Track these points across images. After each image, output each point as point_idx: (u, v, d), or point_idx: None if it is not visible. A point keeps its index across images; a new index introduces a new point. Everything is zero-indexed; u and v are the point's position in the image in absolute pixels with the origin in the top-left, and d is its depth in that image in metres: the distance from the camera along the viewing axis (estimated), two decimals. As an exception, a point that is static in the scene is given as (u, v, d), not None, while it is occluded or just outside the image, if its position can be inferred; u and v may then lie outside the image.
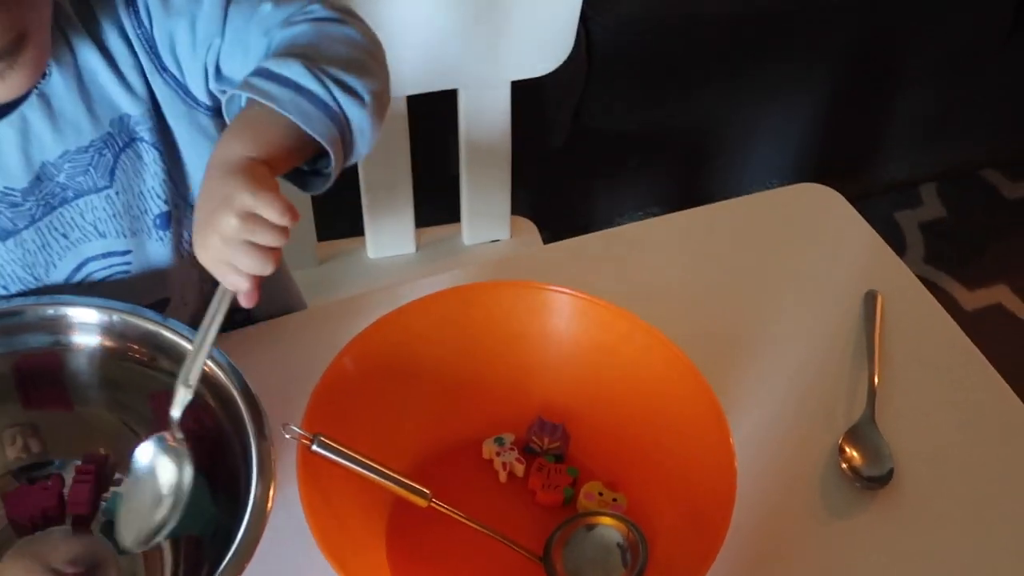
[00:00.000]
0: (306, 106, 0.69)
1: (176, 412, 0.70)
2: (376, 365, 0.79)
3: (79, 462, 0.79)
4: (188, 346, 0.73)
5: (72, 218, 0.82)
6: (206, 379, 0.73)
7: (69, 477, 0.79)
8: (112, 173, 0.81)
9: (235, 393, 0.73)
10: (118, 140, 0.80)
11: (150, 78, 0.79)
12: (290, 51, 0.71)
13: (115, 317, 0.78)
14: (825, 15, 1.59)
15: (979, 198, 1.98)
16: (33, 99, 0.76)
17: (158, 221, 0.85)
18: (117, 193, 0.82)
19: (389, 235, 1.28)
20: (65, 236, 0.82)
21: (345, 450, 0.72)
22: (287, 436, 0.70)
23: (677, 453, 0.78)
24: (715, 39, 1.52)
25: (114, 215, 0.83)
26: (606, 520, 0.78)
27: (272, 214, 0.65)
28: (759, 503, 0.79)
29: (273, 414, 0.72)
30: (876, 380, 0.87)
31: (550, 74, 1.19)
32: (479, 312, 0.82)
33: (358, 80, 0.71)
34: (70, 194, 0.81)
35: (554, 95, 1.45)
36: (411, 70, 1.13)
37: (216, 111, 0.82)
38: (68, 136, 0.78)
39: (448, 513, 0.75)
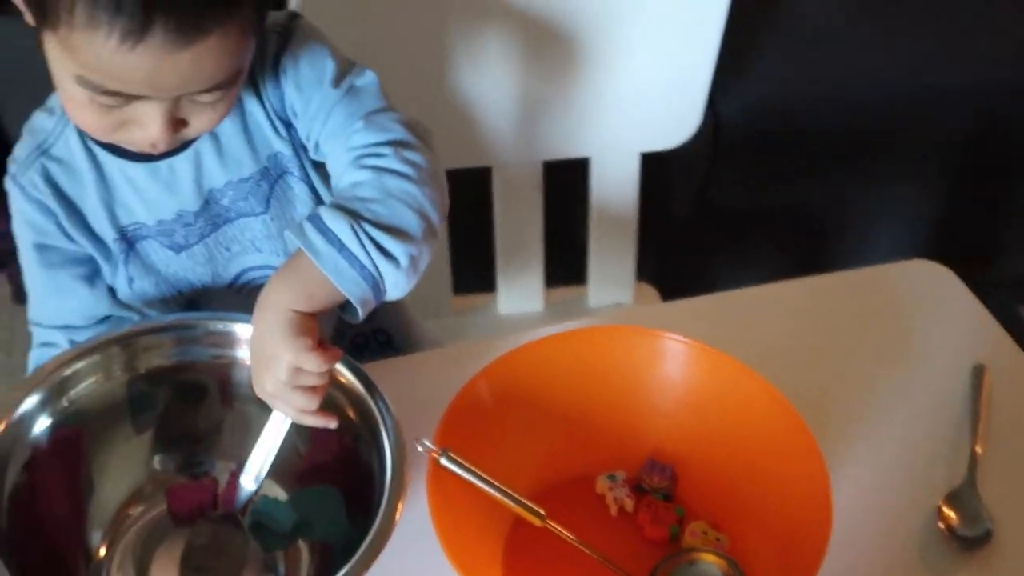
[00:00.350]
0: (344, 266, 0.76)
1: (239, 504, 0.82)
2: (504, 394, 0.86)
3: (234, 465, 0.87)
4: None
5: (234, 235, 0.94)
6: (349, 395, 0.82)
7: (224, 476, 0.87)
8: (267, 201, 0.92)
9: (375, 410, 0.81)
10: (272, 173, 0.91)
11: (291, 130, 0.90)
12: (346, 203, 0.78)
13: None
14: (950, 103, 1.63)
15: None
16: (206, 137, 0.88)
17: None
18: (272, 218, 0.93)
19: (519, 293, 1.37)
20: (228, 249, 0.94)
21: (471, 466, 0.79)
22: (420, 449, 0.78)
23: (779, 500, 0.82)
24: (840, 123, 1.58)
25: (268, 236, 0.94)
26: (708, 556, 0.82)
27: (312, 368, 0.75)
28: (857, 554, 0.83)
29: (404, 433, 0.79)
30: (978, 448, 0.91)
31: (678, 150, 1.27)
32: (601, 354, 0.88)
33: (399, 245, 0.77)
34: (232, 215, 0.92)
35: (681, 171, 1.53)
36: (548, 137, 1.22)
37: None
38: (232, 169, 0.90)
39: (561, 535, 0.81)
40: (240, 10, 0.74)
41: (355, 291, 0.77)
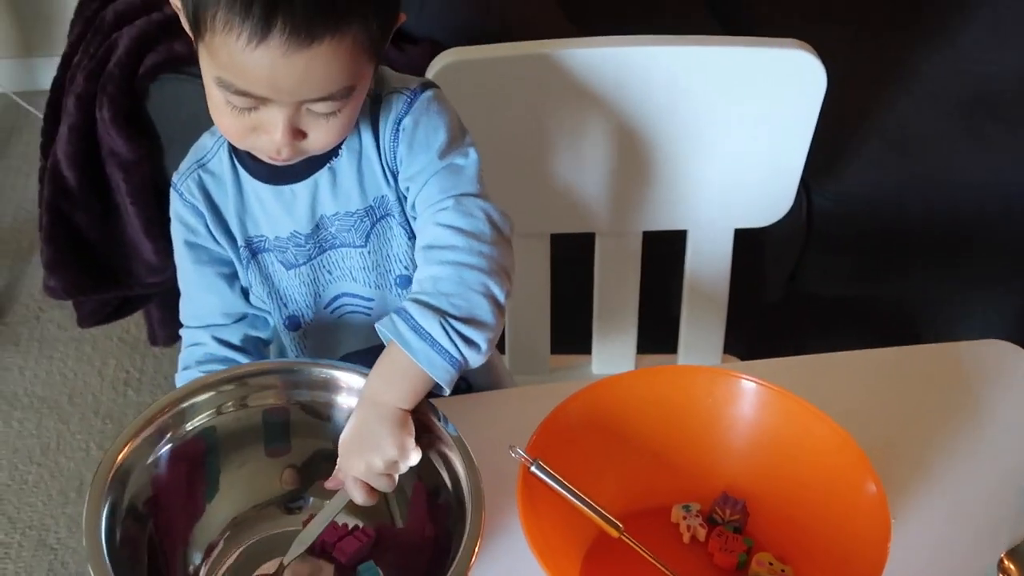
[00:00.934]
0: (436, 359, 0.88)
1: (287, 560, 0.90)
2: (592, 419, 0.93)
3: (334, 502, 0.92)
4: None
5: (335, 261, 1.06)
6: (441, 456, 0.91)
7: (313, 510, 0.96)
8: (368, 236, 1.04)
9: (458, 465, 0.88)
10: (376, 213, 1.03)
11: (398, 180, 1.02)
12: (430, 298, 0.90)
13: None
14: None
15: None
16: (325, 170, 1.01)
17: (399, 280, 1.07)
18: (369, 252, 1.05)
19: (612, 356, 1.45)
20: (329, 272, 1.07)
21: (557, 475, 0.87)
22: (512, 456, 0.86)
23: (841, 539, 0.88)
24: (929, 221, 1.65)
25: (363, 268, 1.06)
26: None
27: (406, 464, 0.89)
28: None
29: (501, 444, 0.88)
30: (1041, 510, 0.96)
31: (772, 234, 1.35)
32: (683, 391, 0.96)
33: (479, 333, 0.90)
34: (336, 243, 1.05)
35: (774, 253, 1.61)
36: (648, 210, 1.32)
37: None
38: (342, 201, 1.02)
39: (636, 548, 0.88)
40: (349, 26, 0.87)
41: (445, 377, 0.89)
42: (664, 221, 1.34)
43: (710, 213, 1.33)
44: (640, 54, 1.22)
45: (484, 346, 0.90)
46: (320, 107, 0.90)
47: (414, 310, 0.89)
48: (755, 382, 0.95)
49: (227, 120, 0.93)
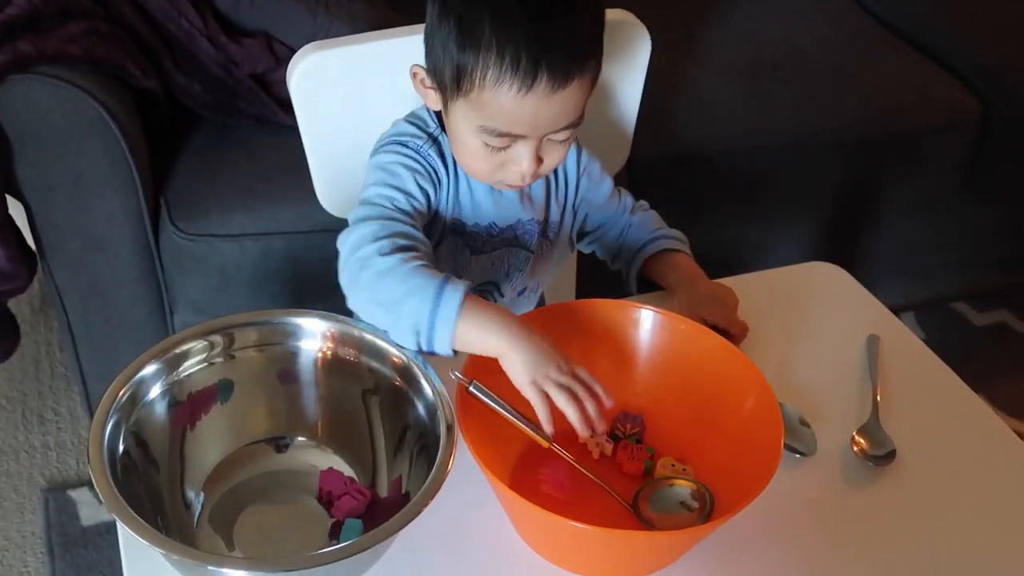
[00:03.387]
0: (682, 246, 1.27)
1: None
2: None
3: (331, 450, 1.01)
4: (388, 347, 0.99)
5: (508, 257, 1.24)
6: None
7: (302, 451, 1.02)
8: (538, 245, 1.25)
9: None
10: (544, 228, 1.24)
11: (567, 206, 1.27)
12: (657, 225, 1.29)
13: (332, 325, 1.01)
14: (816, 162, 1.95)
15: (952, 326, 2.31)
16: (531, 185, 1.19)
17: (521, 289, 1.30)
18: (529, 259, 1.25)
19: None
20: (493, 265, 1.24)
21: (491, 392, 0.95)
22: (452, 378, 0.95)
23: (735, 430, 1.01)
24: (733, 169, 1.86)
25: (519, 270, 1.26)
26: (680, 481, 1.01)
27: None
28: (790, 473, 1.04)
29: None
30: (878, 395, 1.14)
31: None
32: (580, 323, 1.08)
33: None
34: (516, 244, 1.23)
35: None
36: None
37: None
38: (536, 211, 1.23)
39: (563, 455, 0.98)
40: (590, 64, 1.06)
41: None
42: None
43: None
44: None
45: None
46: (560, 135, 1.08)
47: (667, 232, 1.28)
48: (649, 309, 1.08)
49: (481, 162, 1.09)
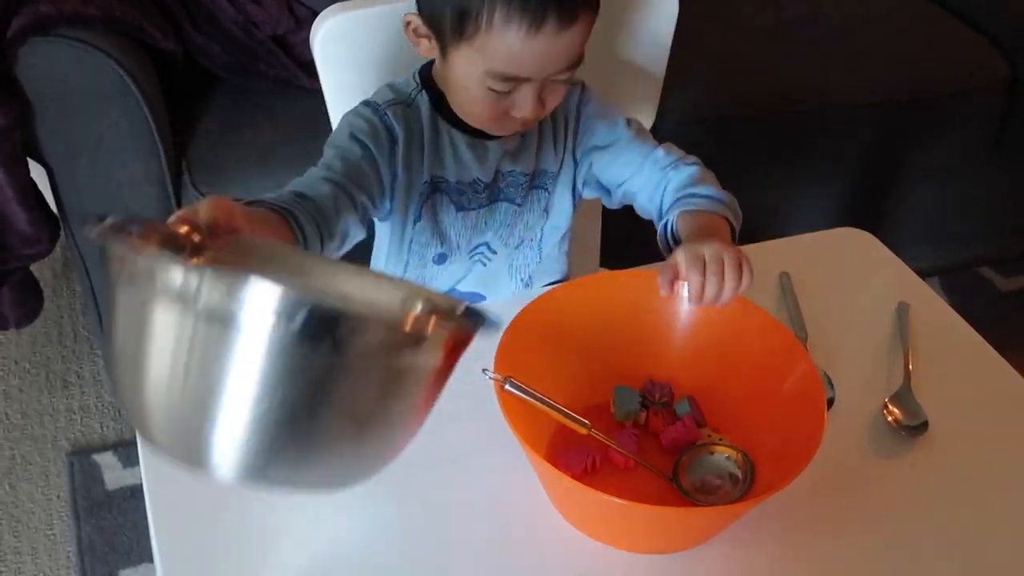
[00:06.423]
0: (719, 207, 1.11)
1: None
2: (540, 332, 1.00)
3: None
4: None
5: (496, 213, 1.21)
6: None
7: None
8: (525, 198, 1.22)
9: None
10: (534, 180, 1.21)
11: (566, 156, 1.21)
12: (696, 182, 1.14)
13: None
14: (840, 125, 1.92)
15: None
16: (517, 135, 1.16)
17: (519, 243, 1.26)
18: (518, 212, 1.22)
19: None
20: (486, 222, 1.22)
21: (527, 387, 0.93)
22: (487, 377, 0.92)
23: (776, 402, 0.99)
24: (756, 135, 1.84)
25: (508, 224, 1.23)
26: (722, 448, 0.99)
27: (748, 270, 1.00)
28: (826, 446, 1.03)
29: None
30: (911, 363, 1.13)
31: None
32: (614, 294, 1.06)
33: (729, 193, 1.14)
34: (502, 196, 1.20)
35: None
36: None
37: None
38: (520, 163, 1.19)
39: (603, 440, 0.96)
40: (593, 3, 1.04)
41: (734, 219, 1.12)
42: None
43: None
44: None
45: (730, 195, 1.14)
46: (563, 75, 1.06)
47: (698, 189, 1.13)
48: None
49: (482, 108, 1.08)
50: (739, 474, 0.98)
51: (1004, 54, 2.09)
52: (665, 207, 1.15)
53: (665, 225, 1.13)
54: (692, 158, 1.18)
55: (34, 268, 1.70)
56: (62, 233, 1.64)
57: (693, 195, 1.12)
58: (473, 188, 1.18)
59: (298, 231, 0.98)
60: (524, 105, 1.06)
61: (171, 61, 1.68)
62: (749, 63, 1.98)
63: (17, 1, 1.40)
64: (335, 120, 1.31)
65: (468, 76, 1.05)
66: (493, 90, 1.05)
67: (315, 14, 1.24)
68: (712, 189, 1.13)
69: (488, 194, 1.19)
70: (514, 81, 1.04)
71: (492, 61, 1.02)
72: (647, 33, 1.37)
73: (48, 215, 1.57)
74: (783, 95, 1.92)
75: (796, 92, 1.93)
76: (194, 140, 1.70)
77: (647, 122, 1.47)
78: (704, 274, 0.98)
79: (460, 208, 1.20)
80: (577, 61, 1.06)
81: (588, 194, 1.26)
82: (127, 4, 1.57)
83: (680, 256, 0.99)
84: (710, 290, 0.98)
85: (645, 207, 1.20)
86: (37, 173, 1.55)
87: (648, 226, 1.19)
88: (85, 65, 1.47)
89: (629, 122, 1.21)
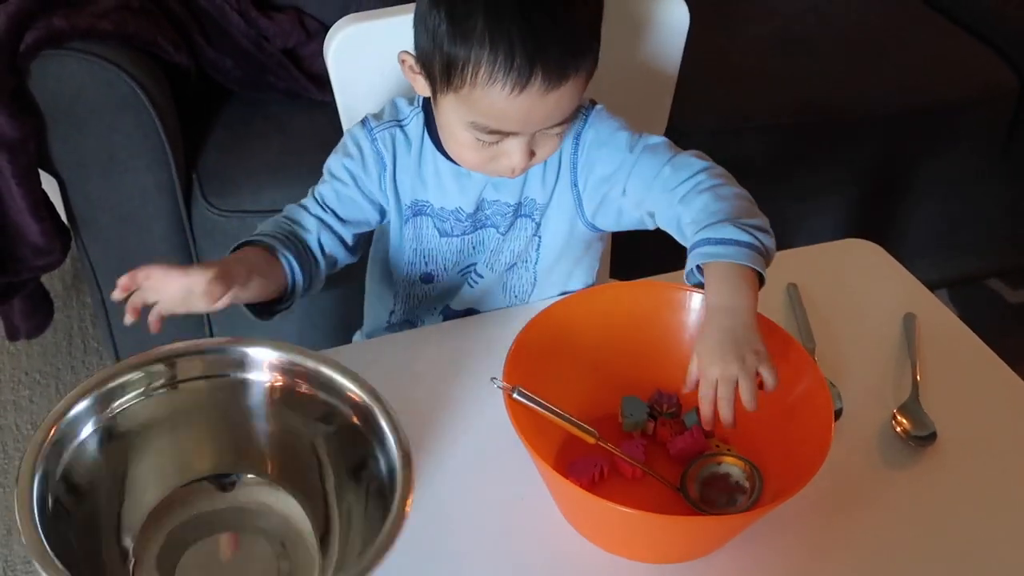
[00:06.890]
0: (746, 252, 0.97)
1: None
2: (549, 342, 1.01)
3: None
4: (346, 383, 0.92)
5: (482, 239, 1.19)
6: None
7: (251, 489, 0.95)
8: (509, 227, 1.18)
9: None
10: (520, 209, 1.17)
11: (558, 186, 1.15)
12: (714, 218, 1.00)
13: (284, 355, 0.94)
14: (848, 136, 1.92)
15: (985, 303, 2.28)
16: None
17: (507, 267, 1.21)
18: (504, 239, 1.18)
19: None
20: (473, 248, 1.20)
21: (534, 396, 0.94)
22: (495, 386, 0.93)
23: (782, 412, 0.97)
24: (768, 143, 1.84)
25: (494, 251, 1.20)
26: (730, 459, 0.99)
27: (768, 369, 0.92)
28: (834, 456, 1.03)
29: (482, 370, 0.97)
30: (918, 374, 1.13)
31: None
32: (622, 306, 1.07)
33: (760, 221, 1.00)
34: (487, 223, 1.17)
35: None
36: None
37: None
38: (504, 193, 1.15)
39: (609, 449, 0.97)
40: (587, 60, 1.00)
41: (759, 261, 0.97)
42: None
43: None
44: None
45: (770, 230, 1.00)
46: (554, 130, 1.04)
47: (711, 232, 0.98)
48: (681, 289, 1.06)
49: (471, 153, 1.05)
50: (747, 484, 0.98)
51: (1011, 65, 2.09)
52: (686, 240, 1.05)
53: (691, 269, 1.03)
54: (702, 175, 1.05)
55: (45, 279, 1.71)
56: (73, 244, 1.65)
57: (708, 240, 0.99)
58: (455, 216, 1.16)
59: (286, 265, 1.08)
60: (512, 155, 1.04)
61: (183, 75, 1.69)
62: (757, 76, 1.99)
63: (31, 15, 1.41)
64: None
65: (454, 123, 1.04)
66: (480, 139, 1.03)
67: (325, 27, 1.26)
68: (729, 230, 0.98)
69: (471, 222, 1.17)
70: (500, 134, 1.02)
71: (476, 115, 1.01)
72: (658, 46, 1.38)
73: (60, 226, 1.58)
74: (791, 108, 1.93)
75: (804, 104, 1.94)
76: (205, 152, 1.71)
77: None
78: (715, 402, 0.92)
79: (444, 234, 1.18)
80: (571, 116, 1.04)
81: (628, 224, 1.16)
82: (140, 19, 1.58)
83: (693, 376, 0.95)
84: (724, 416, 0.93)
85: (667, 229, 1.11)
86: (49, 185, 1.56)
87: (658, 236, 1.19)
88: (98, 78, 1.49)
89: (634, 139, 1.11)
